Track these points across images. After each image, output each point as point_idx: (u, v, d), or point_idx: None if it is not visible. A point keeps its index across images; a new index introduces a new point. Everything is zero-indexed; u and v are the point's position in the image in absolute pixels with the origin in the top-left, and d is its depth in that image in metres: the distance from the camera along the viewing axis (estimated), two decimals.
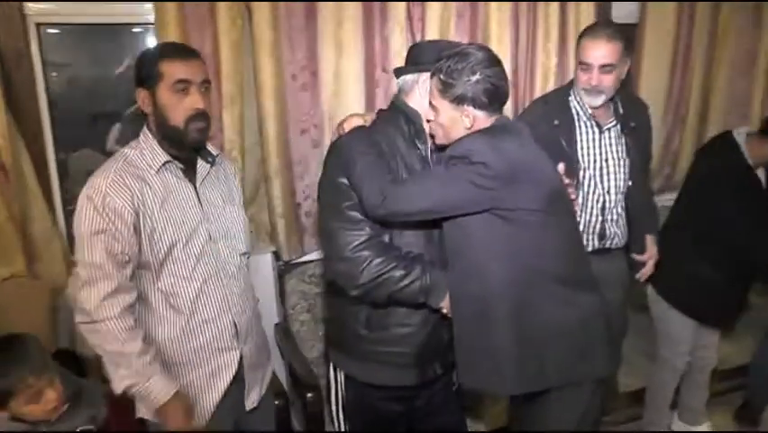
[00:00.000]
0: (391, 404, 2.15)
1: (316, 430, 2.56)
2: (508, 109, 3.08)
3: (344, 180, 1.93)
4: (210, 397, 2.06)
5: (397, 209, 1.88)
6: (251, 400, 2.21)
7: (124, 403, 2.02)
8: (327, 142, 2.45)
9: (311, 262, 3.09)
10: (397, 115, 2.05)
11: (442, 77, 1.88)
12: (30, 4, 2.61)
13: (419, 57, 2.02)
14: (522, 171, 1.86)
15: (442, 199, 1.87)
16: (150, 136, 1.96)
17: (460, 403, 2.36)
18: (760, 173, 3.02)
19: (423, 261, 1.96)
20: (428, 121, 1.99)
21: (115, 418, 2.17)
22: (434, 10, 3.00)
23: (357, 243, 1.91)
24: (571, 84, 2.79)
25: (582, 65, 2.63)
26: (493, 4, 3.09)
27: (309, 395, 2.51)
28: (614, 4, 3.52)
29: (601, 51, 2.55)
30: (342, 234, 1.92)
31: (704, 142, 3.51)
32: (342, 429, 2.22)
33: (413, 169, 2.00)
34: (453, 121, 1.91)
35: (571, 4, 3.29)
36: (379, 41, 2.97)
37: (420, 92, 2.00)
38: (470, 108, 1.88)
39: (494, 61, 1.89)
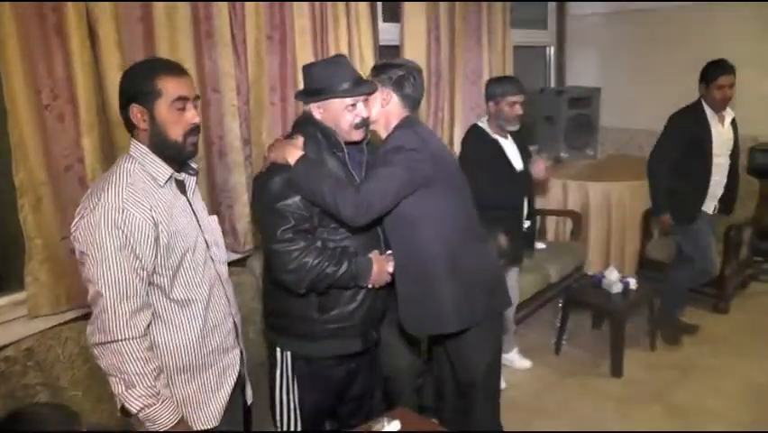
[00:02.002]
0: (339, 369, 2.54)
1: None
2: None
3: (284, 204, 2.27)
4: (221, 395, 2.14)
5: (370, 214, 2.28)
6: (249, 395, 2.37)
7: None
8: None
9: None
10: (314, 131, 2.40)
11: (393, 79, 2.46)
12: None
13: (319, 83, 2.37)
14: (437, 153, 2.46)
15: (396, 188, 2.33)
16: (146, 150, 1.93)
17: (378, 362, 2.81)
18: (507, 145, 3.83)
19: (348, 253, 2.37)
20: (362, 123, 2.41)
21: None
22: (250, 33, 3.41)
23: (296, 255, 2.27)
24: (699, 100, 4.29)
25: (718, 88, 4.13)
26: (297, 28, 3.60)
27: None
28: (380, 29, 4.23)
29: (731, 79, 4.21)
30: (284, 252, 2.28)
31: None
32: (293, 403, 2.52)
33: (338, 174, 2.39)
34: (383, 102, 2.47)
35: (354, 30, 3.93)
36: (210, 62, 3.29)
37: (329, 112, 2.37)
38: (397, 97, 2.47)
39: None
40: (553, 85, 6.51)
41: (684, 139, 4.24)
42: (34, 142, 2.66)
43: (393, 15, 4.45)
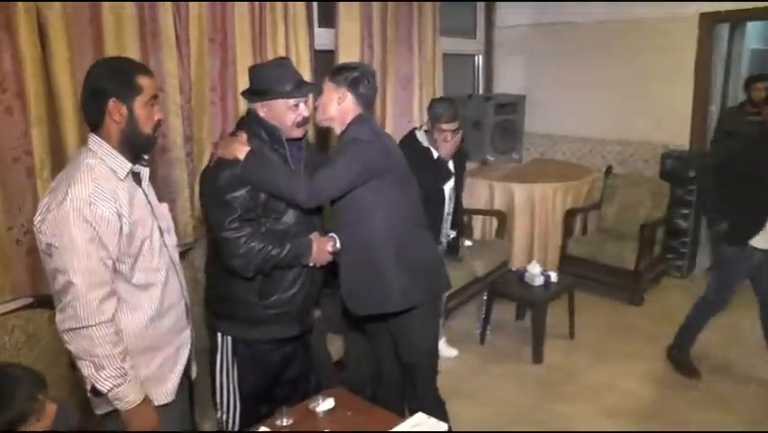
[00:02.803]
0: (276, 353, 2.72)
1: None
2: None
3: (231, 196, 2.44)
4: (176, 371, 2.28)
5: (323, 197, 2.58)
6: (194, 370, 2.50)
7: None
8: None
9: None
10: (258, 129, 2.59)
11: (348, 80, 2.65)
12: None
13: (265, 84, 2.57)
14: (388, 147, 2.73)
15: (349, 176, 2.57)
16: (106, 145, 2.03)
17: (310, 348, 2.98)
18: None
19: (289, 235, 2.57)
20: (303, 122, 2.60)
21: None
22: (193, 35, 3.57)
23: (244, 241, 2.46)
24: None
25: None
26: (237, 32, 3.78)
27: None
28: (316, 34, 4.43)
29: None
30: (232, 239, 2.46)
31: None
32: (232, 385, 2.70)
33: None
34: (338, 101, 2.67)
35: (291, 35, 4.12)
36: (155, 62, 3.42)
37: (273, 111, 2.56)
38: (352, 96, 2.66)
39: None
40: (481, 91, 6.82)
41: None
42: None
43: (328, 21, 4.66)
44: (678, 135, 5.82)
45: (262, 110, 2.59)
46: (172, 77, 3.49)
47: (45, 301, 2.84)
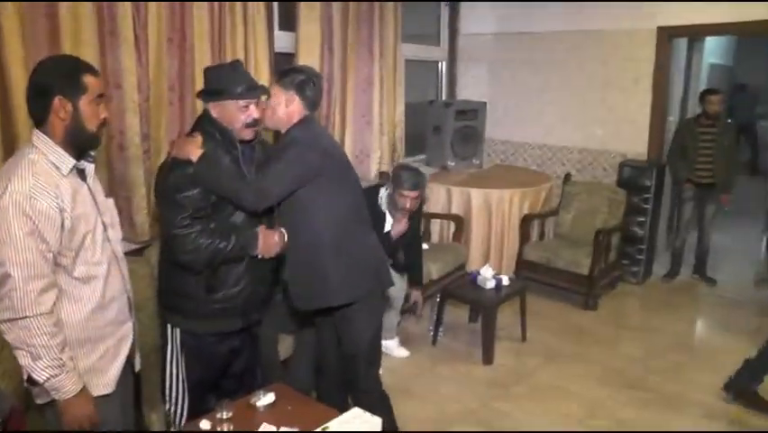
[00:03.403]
0: (222, 346, 2.81)
1: None
2: None
3: (182, 196, 2.52)
4: (117, 363, 2.32)
5: (269, 199, 2.65)
6: (138, 362, 2.54)
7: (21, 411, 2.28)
8: None
9: None
10: (212, 130, 2.67)
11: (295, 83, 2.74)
12: None
13: (218, 85, 2.65)
14: (329, 149, 2.81)
15: (291, 177, 2.67)
16: (50, 142, 2.07)
17: (257, 343, 3.05)
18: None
19: (236, 228, 2.66)
20: (253, 123, 2.67)
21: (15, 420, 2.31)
22: (152, 35, 3.62)
23: (193, 237, 2.54)
24: None
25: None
26: (196, 32, 3.83)
27: None
28: (276, 37, 4.49)
29: None
30: (182, 236, 2.54)
31: None
32: (180, 376, 2.77)
33: (233, 169, 2.67)
34: (286, 103, 2.76)
35: (251, 36, 4.18)
36: (112, 59, 3.45)
37: (224, 112, 2.65)
38: (298, 99, 2.75)
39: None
40: (444, 97, 6.92)
41: None
42: None
43: (289, 24, 4.73)
44: (636, 145, 5.99)
45: (215, 110, 2.68)
46: (130, 74, 3.50)
47: None
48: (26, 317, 1.98)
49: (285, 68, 3.00)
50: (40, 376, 2.03)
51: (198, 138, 2.62)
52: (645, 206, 5.80)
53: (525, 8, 6.37)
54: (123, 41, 3.46)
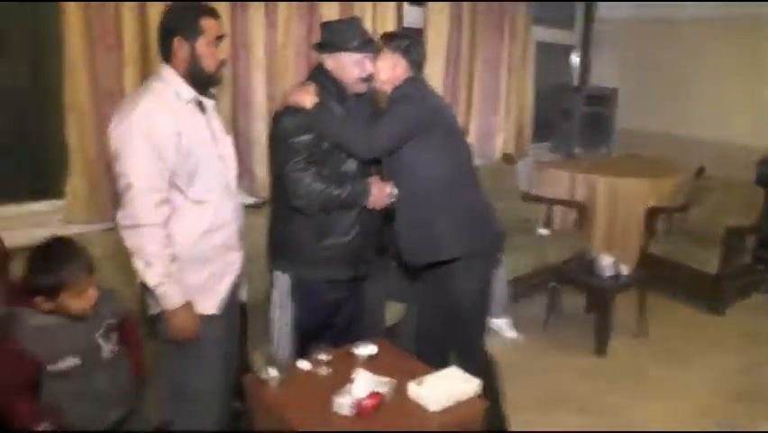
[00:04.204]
0: (329, 294, 2.87)
1: None
2: None
3: (296, 140, 2.62)
4: (222, 286, 2.48)
5: (380, 148, 2.72)
6: (244, 294, 2.73)
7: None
8: None
9: None
10: (326, 82, 2.75)
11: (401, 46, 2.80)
12: None
13: (332, 39, 2.73)
14: (437, 106, 2.87)
15: (401, 129, 2.71)
16: (174, 74, 2.28)
17: (363, 298, 3.11)
18: None
19: (350, 178, 2.73)
20: (366, 78, 2.76)
21: (129, 325, 2.54)
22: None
23: (307, 182, 2.63)
24: None
25: None
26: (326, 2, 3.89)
27: None
28: (405, 12, 4.50)
29: None
30: (296, 180, 2.64)
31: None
32: (286, 318, 2.86)
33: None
34: (393, 66, 2.80)
35: (379, 8, 4.22)
36: (242, 20, 3.58)
37: (338, 64, 2.73)
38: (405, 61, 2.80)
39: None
40: (576, 83, 6.74)
41: None
42: (84, 67, 3.03)
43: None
44: None
45: (330, 63, 2.76)
46: (259, 36, 3.65)
47: None
48: (144, 225, 2.18)
49: (390, 32, 3.13)
50: (150, 281, 2.24)
51: (312, 86, 2.70)
52: None
53: None
54: (251, 4, 3.59)
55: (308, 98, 2.65)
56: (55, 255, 2.21)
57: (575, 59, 6.77)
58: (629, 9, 6.40)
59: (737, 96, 5.81)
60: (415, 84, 2.85)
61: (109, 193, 3.18)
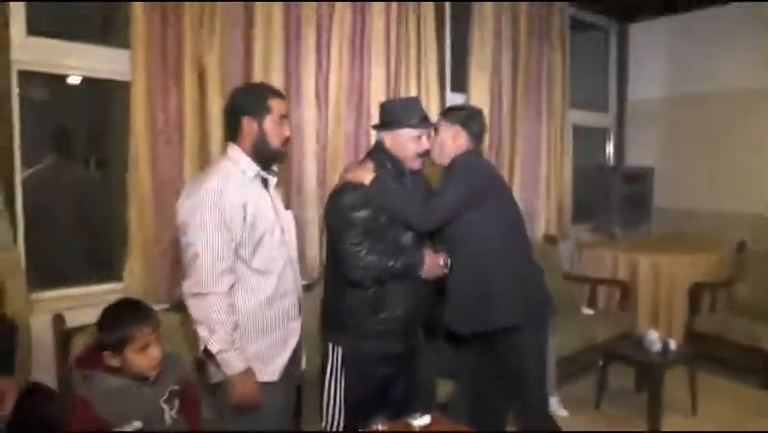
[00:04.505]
0: (380, 368, 2.90)
1: None
2: None
3: (354, 215, 2.73)
4: (283, 356, 2.57)
5: (438, 219, 2.83)
6: (303, 361, 2.82)
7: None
8: None
9: None
10: (384, 159, 2.88)
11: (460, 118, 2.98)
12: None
13: (391, 117, 2.87)
14: (495, 175, 3.01)
15: (459, 199, 2.84)
16: (240, 152, 2.45)
17: (416, 374, 3.11)
18: None
19: (403, 250, 2.81)
20: (423, 154, 2.87)
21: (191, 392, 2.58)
22: (332, 92, 3.93)
23: (363, 255, 2.73)
24: None
25: None
26: (373, 87, 4.09)
27: None
28: (448, 98, 4.70)
29: None
30: (353, 253, 2.74)
31: None
32: (339, 394, 2.88)
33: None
34: (453, 138, 2.97)
35: (423, 96, 4.41)
36: (296, 113, 3.79)
37: (398, 141, 2.86)
38: (465, 133, 2.96)
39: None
40: (612, 163, 6.87)
41: None
42: (146, 156, 3.22)
43: (460, 86, 4.97)
44: None
45: (388, 140, 2.88)
46: (310, 126, 3.85)
47: (178, 307, 3.21)
48: (208, 293, 2.30)
49: (448, 106, 3.23)
50: (213, 348, 2.32)
51: (370, 164, 2.83)
52: None
53: (695, 69, 6.25)
54: (305, 95, 3.81)
55: (367, 175, 2.77)
56: (121, 312, 2.32)
57: (611, 140, 6.92)
58: (660, 88, 6.58)
59: None
60: (472, 155, 2.98)
61: (164, 275, 3.33)
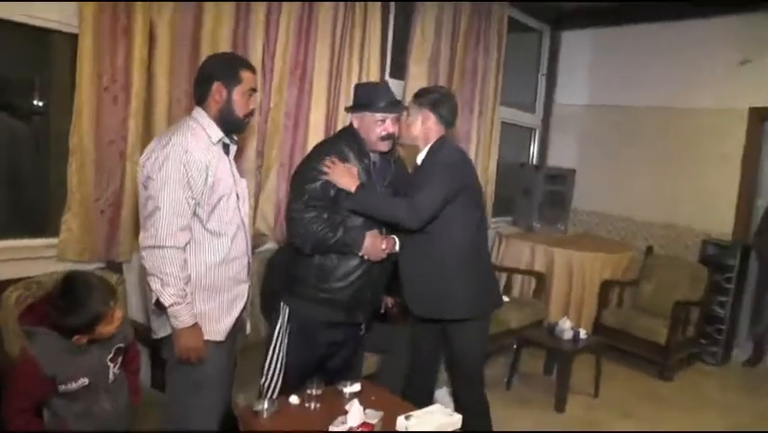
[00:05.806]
0: (323, 335, 3.01)
1: None
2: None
3: (305, 186, 2.85)
4: (229, 317, 2.63)
5: (423, 215, 2.86)
6: (248, 326, 2.89)
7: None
8: None
9: None
10: (350, 139, 2.99)
11: (430, 101, 3.03)
12: None
13: (362, 99, 2.97)
14: (470, 167, 3.11)
15: (442, 196, 2.89)
16: (206, 116, 2.52)
17: (362, 344, 3.30)
18: None
19: (345, 225, 2.89)
20: (387, 137, 2.93)
21: (134, 351, 2.71)
22: (277, 64, 4.00)
23: (305, 222, 2.83)
24: None
25: None
26: (316, 68, 4.20)
27: None
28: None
29: None
30: (296, 219, 2.85)
31: None
32: (281, 354, 3.00)
33: (361, 177, 2.93)
34: (422, 120, 3.04)
35: (364, 78, 4.54)
36: None
37: (363, 123, 2.95)
38: (434, 116, 3.02)
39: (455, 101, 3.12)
40: (535, 162, 7.16)
41: None
42: (90, 114, 3.19)
43: (399, 73, 5.11)
44: (722, 224, 5.98)
45: (356, 122, 2.99)
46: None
47: (115, 267, 3.33)
48: (164, 246, 2.35)
49: (421, 88, 3.30)
50: (165, 300, 2.37)
51: (354, 169, 2.91)
52: (728, 285, 5.72)
53: (618, 82, 6.57)
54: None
55: (352, 181, 2.85)
56: (81, 293, 2.31)
57: (535, 140, 7.22)
58: (584, 95, 6.90)
59: (682, 181, 6.22)
60: (450, 146, 3.08)
61: (102, 234, 3.33)
